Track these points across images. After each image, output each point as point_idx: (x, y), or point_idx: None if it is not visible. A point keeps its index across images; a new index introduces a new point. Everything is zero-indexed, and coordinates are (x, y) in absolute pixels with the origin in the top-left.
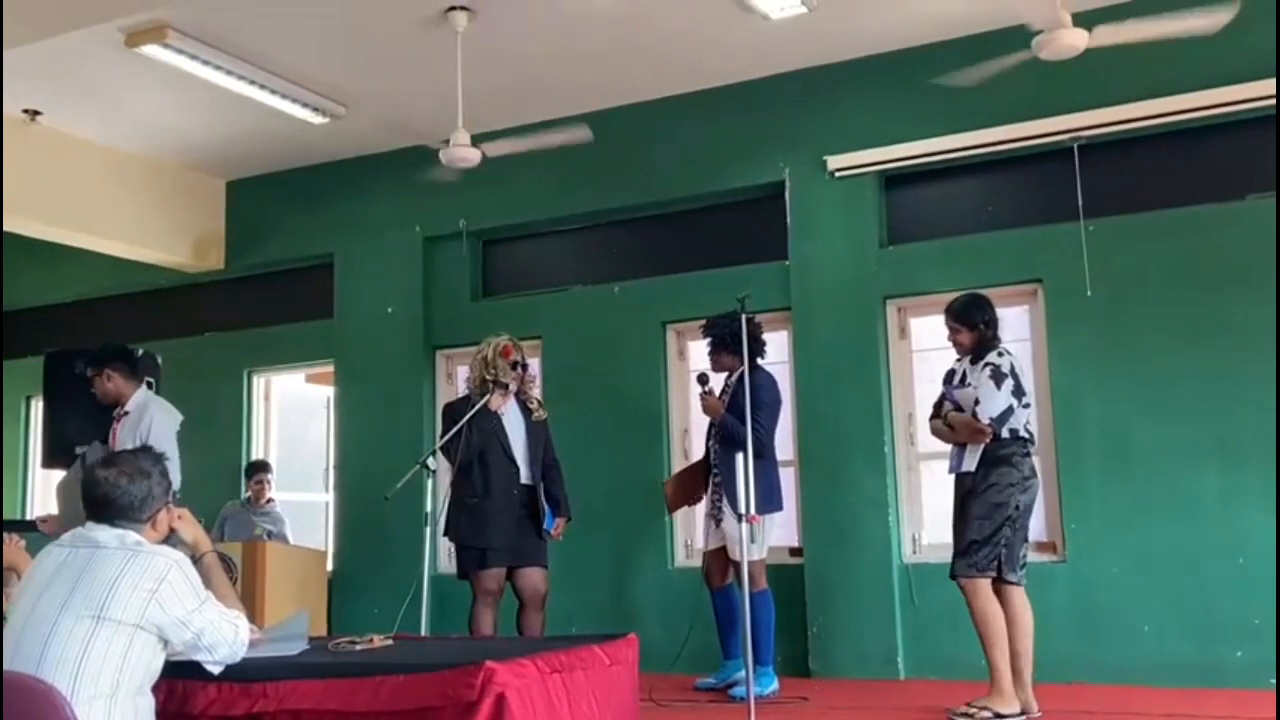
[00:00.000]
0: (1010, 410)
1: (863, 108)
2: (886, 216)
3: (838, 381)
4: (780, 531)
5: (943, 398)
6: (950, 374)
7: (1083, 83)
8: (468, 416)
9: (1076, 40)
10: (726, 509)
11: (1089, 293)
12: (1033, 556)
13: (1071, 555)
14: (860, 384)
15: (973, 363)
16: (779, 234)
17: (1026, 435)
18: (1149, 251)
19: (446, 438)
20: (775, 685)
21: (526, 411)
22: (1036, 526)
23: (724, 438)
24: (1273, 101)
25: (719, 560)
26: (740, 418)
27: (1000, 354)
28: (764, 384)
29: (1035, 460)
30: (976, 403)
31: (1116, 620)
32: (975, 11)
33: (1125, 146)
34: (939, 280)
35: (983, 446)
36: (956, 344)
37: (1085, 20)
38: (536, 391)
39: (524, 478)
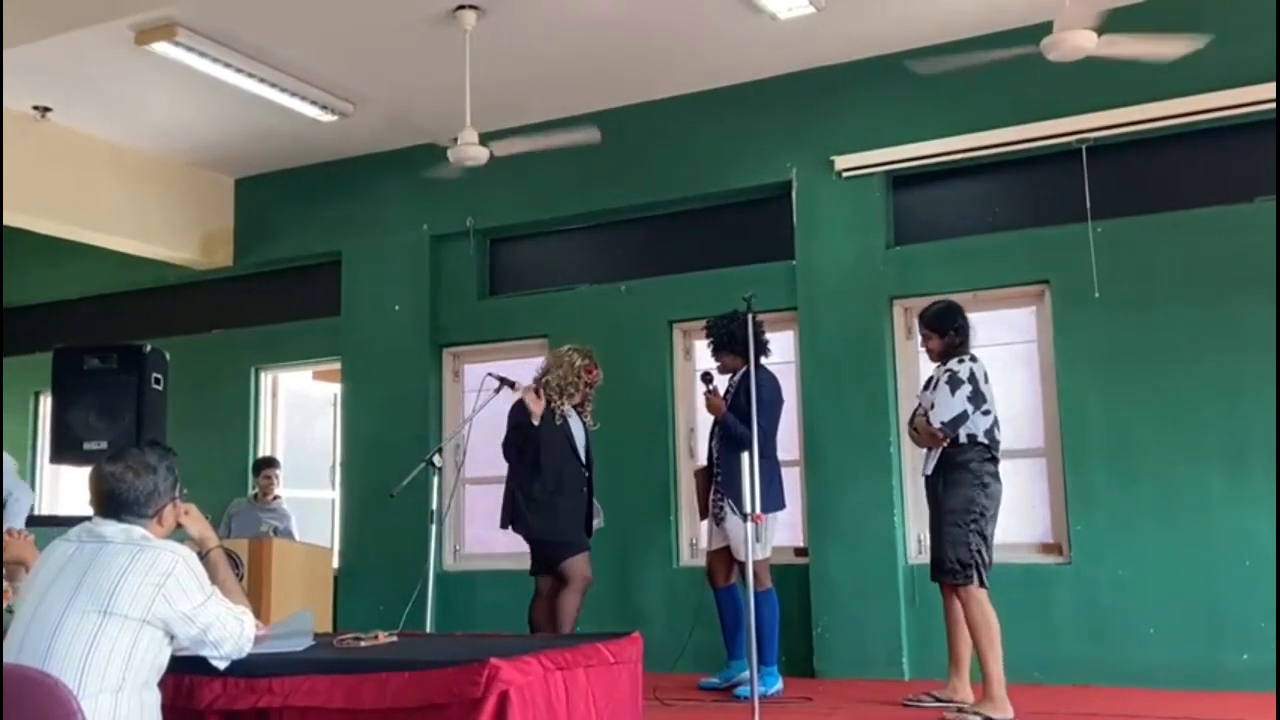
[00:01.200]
0: (964, 415)
1: (870, 108)
2: (893, 217)
3: (843, 382)
4: (785, 532)
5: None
6: (928, 380)
7: (1091, 84)
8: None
9: (1085, 42)
10: (729, 508)
11: (1097, 294)
12: (1037, 558)
13: (1077, 557)
14: (866, 384)
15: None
16: (785, 234)
17: (985, 442)
18: (1157, 253)
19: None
20: (779, 685)
21: (582, 421)
22: (1041, 528)
23: (724, 437)
24: None
25: (722, 560)
26: (742, 417)
27: (961, 360)
28: (764, 383)
29: (998, 466)
30: (933, 406)
31: (1121, 623)
32: (983, 12)
33: (1134, 148)
34: (945, 281)
35: (940, 451)
36: (928, 350)
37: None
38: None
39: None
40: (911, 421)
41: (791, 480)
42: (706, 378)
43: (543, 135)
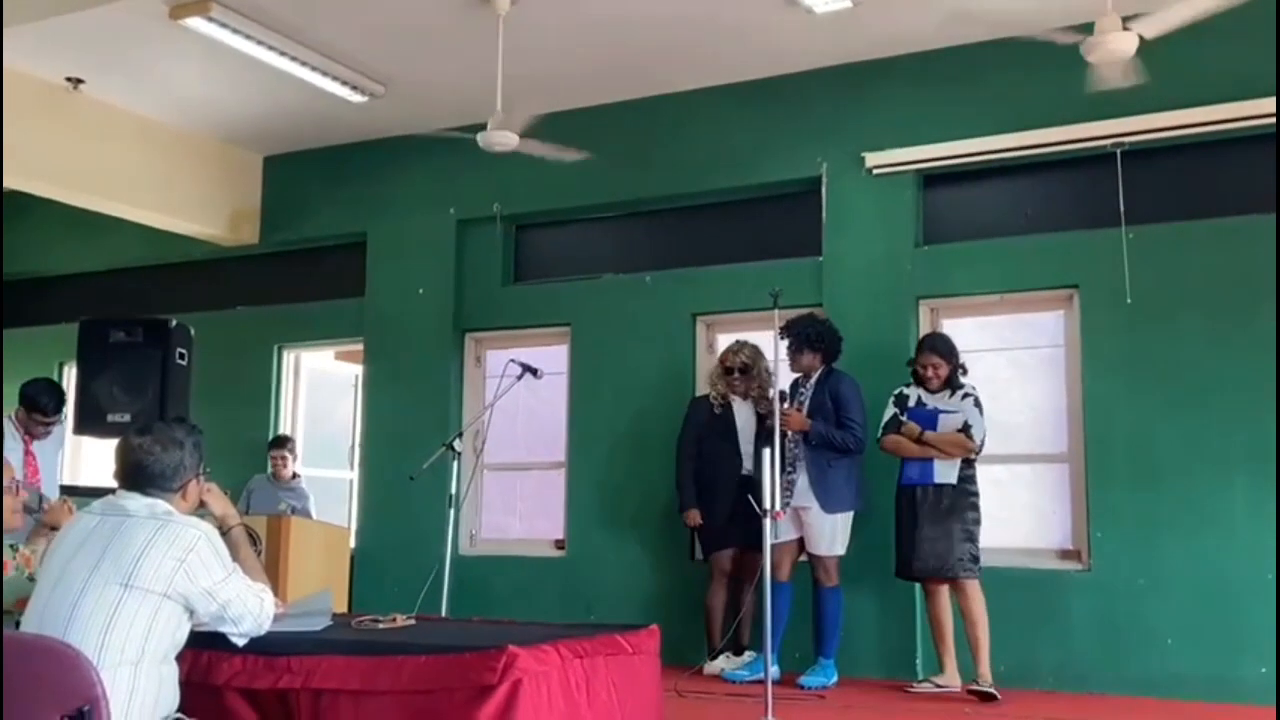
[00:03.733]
0: (985, 433)
1: (903, 105)
2: (923, 216)
3: (867, 380)
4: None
5: (895, 418)
6: (903, 398)
7: (1128, 88)
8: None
9: (1126, 44)
10: (814, 506)
11: (1129, 300)
12: (1056, 564)
13: (1096, 564)
14: (890, 383)
15: (934, 391)
16: (813, 229)
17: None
18: (1188, 261)
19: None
20: (836, 677)
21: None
22: (1060, 535)
23: (819, 446)
24: None
25: (789, 554)
26: (826, 420)
27: (972, 385)
28: (849, 383)
29: None
30: (969, 425)
31: (1139, 632)
32: (1021, 12)
33: (1169, 153)
34: (974, 282)
35: (959, 462)
36: (934, 376)
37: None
38: (771, 392)
39: (745, 468)
40: (896, 434)
41: None
42: (783, 396)
43: (533, 140)
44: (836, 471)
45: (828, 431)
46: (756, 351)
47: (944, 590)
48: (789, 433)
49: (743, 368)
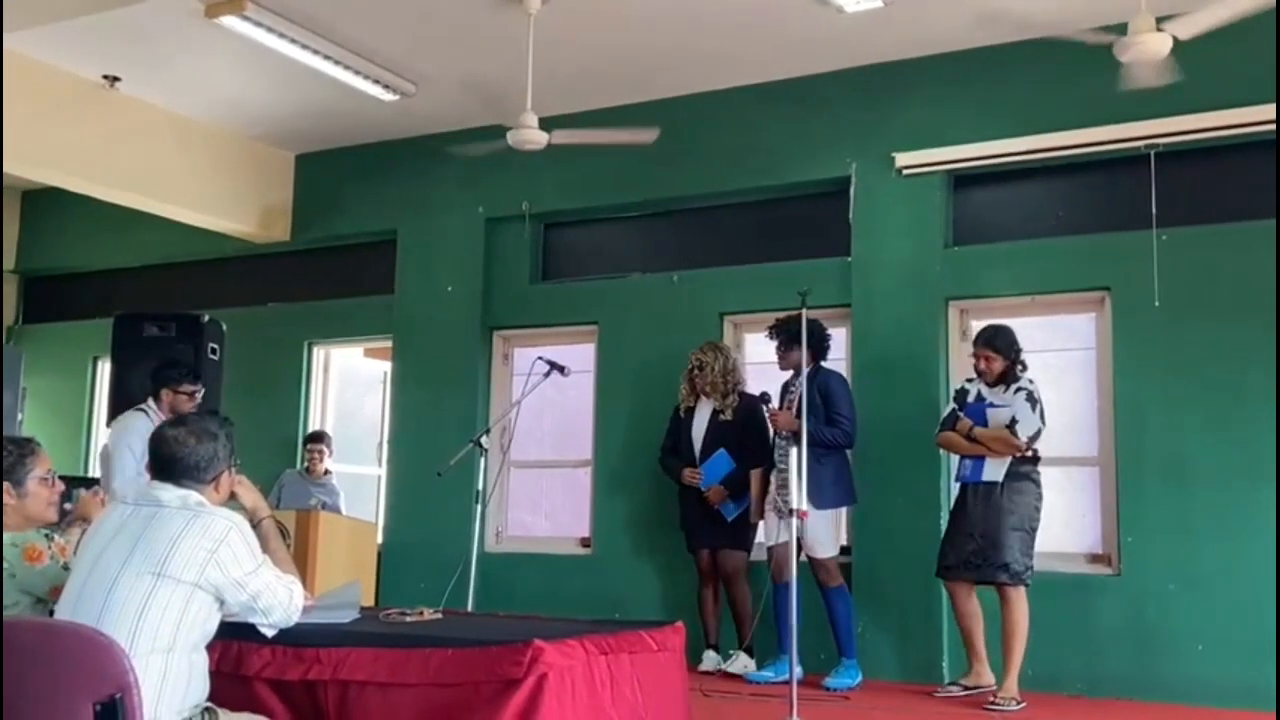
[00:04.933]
0: (1039, 432)
1: (934, 106)
2: (953, 217)
3: (895, 381)
4: None
5: (954, 413)
6: (963, 393)
7: (1162, 89)
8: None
9: (1160, 45)
10: (809, 505)
11: (1156, 303)
12: (1086, 569)
13: (1126, 569)
14: (918, 385)
15: (991, 385)
16: (842, 230)
17: (1039, 456)
18: (1221, 264)
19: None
20: (860, 678)
21: (715, 410)
22: (1091, 538)
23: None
24: None
25: (789, 554)
26: (816, 417)
27: (1031, 380)
28: (837, 379)
29: None
30: (1015, 421)
31: (1170, 637)
32: (1054, 12)
33: (1202, 156)
34: (1004, 284)
35: (1009, 460)
36: (987, 370)
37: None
38: (731, 397)
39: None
40: (951, 430)
41: None
42: (765, 398)
43: (600, 129)
44: (826, 468)
45: (816, 430)
46: (716, 350)
47: (973, 592)
48: (780, 432)
49: (699, 365)
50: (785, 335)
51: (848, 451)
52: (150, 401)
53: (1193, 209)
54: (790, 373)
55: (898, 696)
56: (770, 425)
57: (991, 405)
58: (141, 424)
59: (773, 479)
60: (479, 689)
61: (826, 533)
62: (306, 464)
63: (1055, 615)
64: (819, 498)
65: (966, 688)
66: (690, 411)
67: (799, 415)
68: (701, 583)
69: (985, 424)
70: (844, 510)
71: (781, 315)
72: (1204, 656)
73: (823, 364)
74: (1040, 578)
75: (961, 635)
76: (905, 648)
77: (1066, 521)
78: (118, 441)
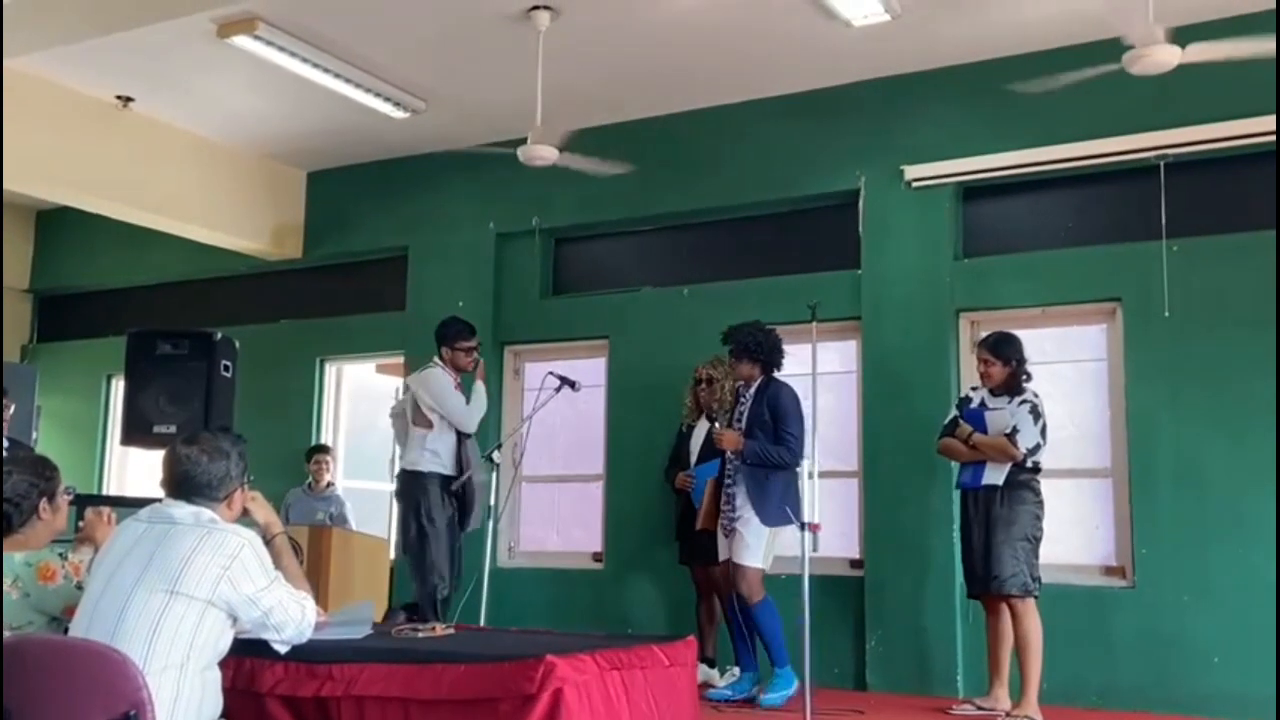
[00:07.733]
0: (1039, 446)
1: (943, 118)
2: (963, 229)
3: (906, 393)
4: (840, 543)
5: (956, 420)
6: (965, 400)
7: (1170, 100)
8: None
9: (1169, 57)
10: (752, 519)
11: (1166, 314)
12: (1100, 580)
13: (1140, 581)
14: (929, 397)
15: (994, 394)
16: (851, 242)
17: (1041, 467)
18: (1231, 274)
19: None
20: (796, 682)
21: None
22: (1104, 550)
23: (757, 465)
24: None
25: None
26: (764, 431)
27: (1035, 394)
28: (788, 393)
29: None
30: (1015, 430)
31: (1184, 649)
32: (1062, 24)
33: (1212, 166)
34: (1015, 295)
35: (1008, 468)
36: (989, 375)
37: (1175, 37)
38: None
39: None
40: (951, 436)
41: (849, 492)
42: (711, 418)
43: (572, 154)
44: (774, 484)
45: (763, 450)
46: (726, 367)
47: (1002, 610)
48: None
49: (708, 380)
50: (736, 345)
51: (798, 469)
52: (436, 359)
53: (1203, 219)
54: (739, 383)
55: (911, 712)
56: (716, 443)
57: (989, 410)
58: (441, 373)
59: (723, 496)
60: (493, 705)
61: (756, 542)
62: (310, 478)
63: (1070, 628)
64: (762, 514)
65: (980, 708)
66: (691, 428)
67: (746, 431)
68: (698, 596)
69: (985, 429)
70: (784, 529)
71: (734, 324)
72: (1220, 668)
73: (776, 375)
74: (1055, 590)
75: (988, 652)
76: (919, 661)
77: (1080, 533)
78: (433, 386)
